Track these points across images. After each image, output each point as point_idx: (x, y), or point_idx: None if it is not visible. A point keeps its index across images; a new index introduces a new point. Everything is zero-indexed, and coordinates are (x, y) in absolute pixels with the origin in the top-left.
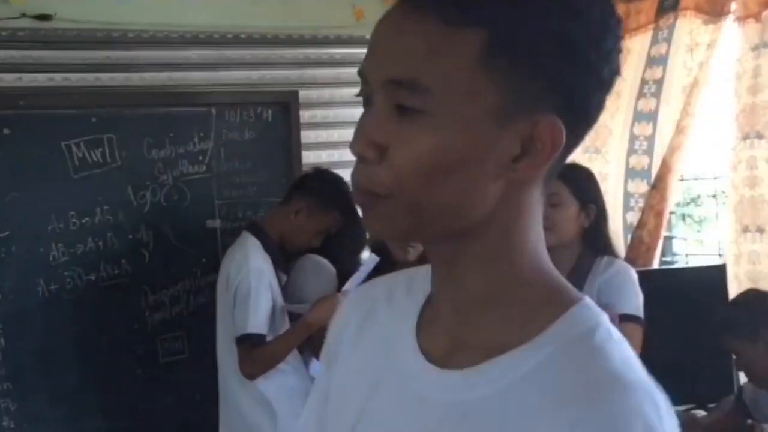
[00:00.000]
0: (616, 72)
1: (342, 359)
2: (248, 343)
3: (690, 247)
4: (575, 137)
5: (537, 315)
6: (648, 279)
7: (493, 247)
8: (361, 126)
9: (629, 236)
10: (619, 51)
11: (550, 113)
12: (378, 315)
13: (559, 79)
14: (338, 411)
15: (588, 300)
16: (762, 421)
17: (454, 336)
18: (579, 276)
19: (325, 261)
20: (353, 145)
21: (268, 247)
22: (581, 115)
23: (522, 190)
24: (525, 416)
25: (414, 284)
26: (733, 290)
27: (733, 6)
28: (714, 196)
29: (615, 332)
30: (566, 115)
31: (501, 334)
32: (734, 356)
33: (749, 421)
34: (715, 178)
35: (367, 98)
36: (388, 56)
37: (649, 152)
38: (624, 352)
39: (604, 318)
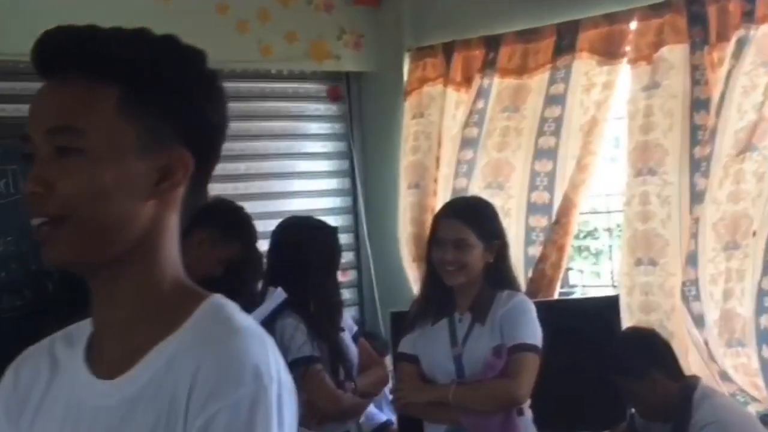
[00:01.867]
0: (225, 118)
1: (40, 406)
2: None
3: (586, 279)
4: (205, 166)
5: (177, 316)
6: (547, 309)
7: (144, 266)
8: (31, 174)
9: (530, 269)
10: (225, 103)
11: (179, 147)
12: (52, 361)
13: (181, 124)
14: None
15: (219, 295)
16: None
17: (115, 352)
18: (482, 307)
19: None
20: (26, 190)
21: None
22: (204, 149)
23: (165, 213)
24: (167, 391)
25: (71, 333)
26: (626, 320)
27: (627, 48)
28: (609, 229)
29: (237, 309)
30: (192, 149)
31: (151, 340)
32: (623, 394)
33: None
34: (609, 212)
35: (31, 156)
36: (48, 113)
37: (550, 188)
38: (245, 317)
39: (232, 303)
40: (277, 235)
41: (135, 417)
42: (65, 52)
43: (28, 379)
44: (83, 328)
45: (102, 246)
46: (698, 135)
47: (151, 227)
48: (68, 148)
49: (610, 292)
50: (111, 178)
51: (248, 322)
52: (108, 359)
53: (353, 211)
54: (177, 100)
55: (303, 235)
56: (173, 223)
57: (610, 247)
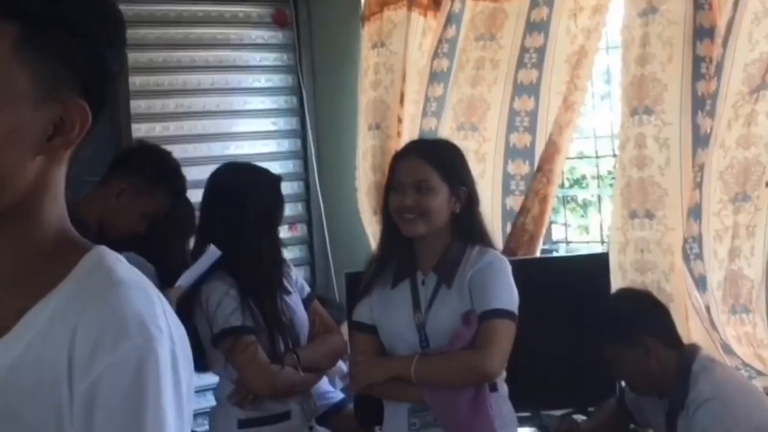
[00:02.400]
0: (122, 66)
1: None
2: None
3: (572, 234)
4: (95, 117)
5: (59, 271)
6: (527, 269)
7: (24, 223)
8: None
9: (508, 223)
10: (125, 49)
11: (76, 98)
12: None
13: (80, 70)
14: None
15: (102, 247)
16: (644, 425)
17: None
18: (449, 266)
19: (143, 261)
20: None
21: (85, 234)
22: (99, 100)
23: (54, 168)
24: (50, 347)
25: None
26: (618, 281)
27: None
28: (598, 177)
29: (120, 259)
30: (89, 99)
31: (32, 296)
32: (611, 365)
33: (632, 426)
34: (599, 158)
35: None
36: None
37: (532, 130)
38: (127, 268)
39: (114, 254)
40: (210, 184)
41: (12, 386)
42: None
43: None
44: None
45: None
46: (702, 68)
47: (36, 184)
48: None
49: (599, 249)
50: (1, 130)
51: (130, 273)
52: None
53: (303, 156)
54: (80, 44)
55: (239, 184)
56: (61, 179)
57: (599, 197)
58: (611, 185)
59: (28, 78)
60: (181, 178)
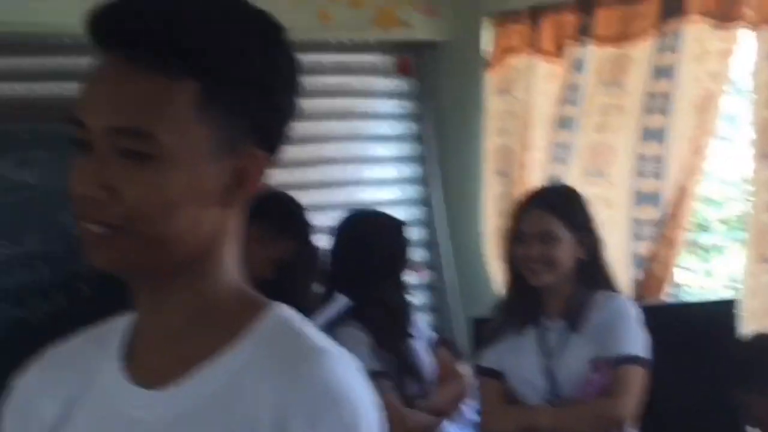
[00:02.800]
0: (298, 110)
1: (70, 418)
2: None
3: (697, 279)
4: (274, 161)
5: (235, 325)
6: (655, 314)
7: (202, 274)
8: (86, 170)
9: (636, 268)
10: (300, 93)
11: (254, 148)
12: (78, 366)
13: (258, 120)
14: None
15: (281, 304)
16: None
17: (162, 361)
18: (576, 312)
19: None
20: (76, 187)
21: None
22: (276, 144)
23: (231, 217)
24: (241, 410)
25: (102, 335)
26: (748, 327)
27: (747, 9)
28: (724, 221)
29: (306, 322)
30: (266, 147)
31: (204, 350)
32: (742, 410)
33: None
34: (725, 202)
35: (81, 143)
36: (113, 106)
37: (659, 174)
38: (317, 332)
39: (297, 314)
40: (339, 232)
41: (194, 430)
42: (140, 31)
43: (49, 383)
44: (113, 329)
45: (161, 257)
46: None
47: (215, 234)
48: (137, 153)
49: (724, 294)
50: (182, 188)
51: (324, 339)
52: (151, 368)
53: (428, 202)
54: (259, 96)
55: (364, 231)
56: (238, 229)
57: (724, 241)
58: (738, 229)
59: (208, 132)
60: (307, 225)
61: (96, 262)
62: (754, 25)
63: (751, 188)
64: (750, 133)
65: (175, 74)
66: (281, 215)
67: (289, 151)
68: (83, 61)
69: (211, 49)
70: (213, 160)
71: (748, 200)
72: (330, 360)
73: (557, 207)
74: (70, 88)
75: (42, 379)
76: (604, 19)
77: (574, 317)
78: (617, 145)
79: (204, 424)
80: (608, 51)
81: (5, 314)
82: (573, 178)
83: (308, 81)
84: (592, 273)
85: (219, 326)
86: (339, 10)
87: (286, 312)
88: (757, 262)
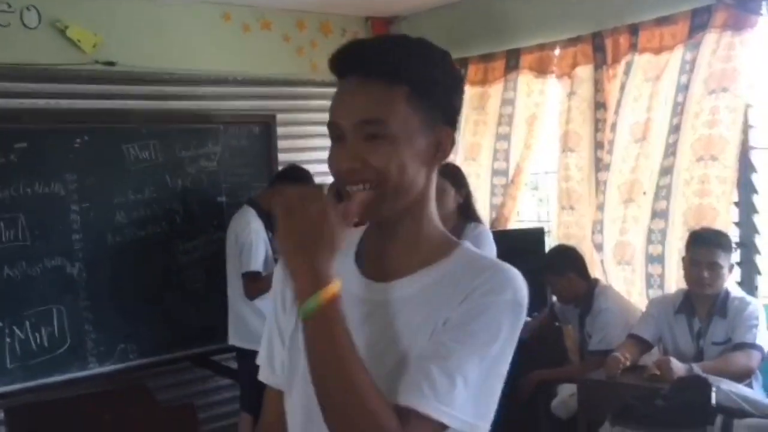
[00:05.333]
0: (462, 100)
1: None
2: (250, 276)
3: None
4: (455, 136)
5: (439, 252)
6: (501, 236)
7: (417, 214)
8: (342, 153)
9: (493, 212)
10: (463, 87)
11: (445, 127)
12: None
13: (444, 109)
14: None
15: (467, 243)
16: (565, 323)
17: (388, 266)
18: (456, 235)
19: None
20: (340, 164)
21: (261, 215)
22: (455, 123)
23: (431, 176)
24: (437, 300)
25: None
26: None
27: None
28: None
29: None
30: (451, 125)
31: (417, 263)
32: (550, 286)
33: (557, 323)
34: (546, 174)
35: (337, 137)
36: (358, 107)
37: (507, 159)
38: (493, 258)
39: (476, 249)
40: None
41: (407, 310)
42: (369, 63)
43: None
44: (348, 240)
45: (400, 201)
46: (599, 126)
47: (424, 188)
48: (376, 135)
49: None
50: (407, 154)
51: (499, 261)
52: (377, 270)
53: None
54: (444, 94)
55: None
56: (434, 186)
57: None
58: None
59: (417, 117)
60: (313, 182)
61: (363, 214)
62: (558, 76)
63: (557, 168)
64: (557, 139)
65: (393, 83)
66: (298, 176)
67: (296, 143)
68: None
69: (413, 67)
70: (422, 135)
71: (556, 174)
72: (512, 270)
73: (446, 173)
74: (159, 104)
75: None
76: (474, 70)
77: (455, 235)
78: (483, 143)
79: (413, 306)
80: (476, 89)
81: (133, 234)
82: (458, 162)
83: (304, 104)
84: (466, 212)
85: (427, 251)
86: (322, 62)
87: (472, 248)
88: (560, 208)
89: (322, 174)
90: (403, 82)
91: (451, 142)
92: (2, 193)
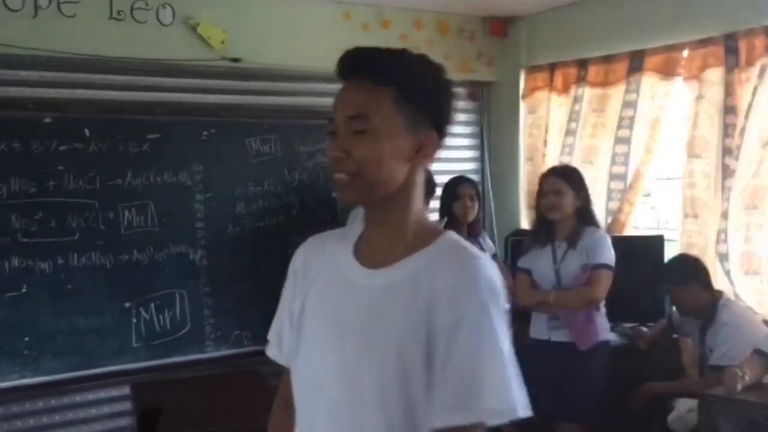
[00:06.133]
0: (452, 113)
1: (314, 280)
2: None
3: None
4: (441, 143)
5: (423, 241)
6: (617, 241)
7: (400, 205)
8: (335, 145)
9: (609, 217)
10: (453, 102)
11: (430, 130)
12: (326, 251)
13: (430, 112)
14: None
15: (452, 232)
16: (684, 336)
17: (378, 255)
18: (574, 237)
19: None
20: (331, 153)
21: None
22: (442, 131)
23: (415, 173)
24: (423, 285)
25: (345, 234)
26: (673, 253)
27: (681, 69)
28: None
29: (465, 242)
30: (437, 130)
31: (403, 252)
32: (670, 297)
33: (674, 336)
34: (667, 180)
35: (333, 132)
36: (349, 104)
37: (626, 164)
38: (473, 248)
39: (461, 238)
40: (443, 187)
41: (394, 294)
42: (363, 66)
43: (310, 257)
44: (353, 233)
45: (377, 191)
46: (729, 131)
47: (406, 182)
48: (361, 130)
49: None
50: (387, 149)
51: (479, 252)
52: (371, 258)
53: (485, 174)
54: (429, 98)
55: (446, 186)
56: (419, 181)
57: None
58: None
59: (402, 118)
60: (430, 173)
61: (342, 197)
62: (686, 79)
63: (682, 175)
64: (682, 144)
65: (381, 84)
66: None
67: None
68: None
69: (400, 71)
70: (404, 134)
71: (681, 180)
72: (482, 262)
73: (565, 175)
74: (281, 100)
75: (307, 252)
76: (594, 71)
77: (572, 240)
78: (600, 146)
79: (400, 290)
80: (597, 91)
81: (252, 225)
82: (575, 164)
83: None
84: (584, 215)
85: (412, 239)
86: (438, 61)
87: (454, 236)
88: (683, 216)
89: (434, 172)
90: (391, 84)
91: (434, 145)
92: (135, 181)
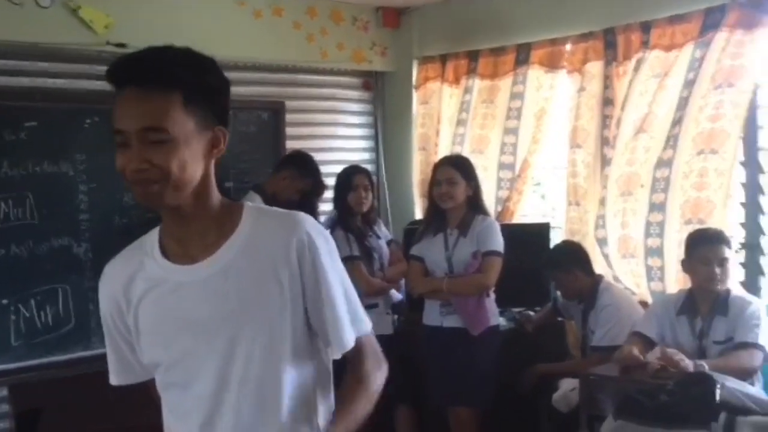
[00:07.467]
0: (229, 99)
1: (143, 297)
2: None
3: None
4: (228, 132)
5: (231, 221)
6: (507, 230)
7: (203, 197)
8: (128, 156)
9: (499, 206)
10: (228, 88)
11: (218, 126)
12: (136, 267)
13: (216, 110)
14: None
15: (246, 202)
16: (568, 319)
17: (193, 249)
18: (465, 225)
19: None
20: (128, 165)
21: (266, 201)
22: (227, 122)
23: (210, 165)
24: (257, 253)
25: (142, 246)
26: (557, 239)
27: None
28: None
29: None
30: (224, 124)
31: (215, 239)
32: (554, 282)
33: (559, 319)
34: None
35: (123, 143)
36: (140, 116)
37: (514, 153)
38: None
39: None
40: (336, 178)
41: (231, 277)
42: (148, 71)
43: (124, 281)
44: (149, 240)
45: (182, 192)
46: (607, 122)
47: (205, 175)
48: (158, 140)
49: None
50: (186, 153)
51: (278, 209)
52: (183, 255)
53: (378, 164)
54: (213, 95)
55: (339, 176)
56: (212, 170)
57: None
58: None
59: (194, 120)
60: (319, 170)
61: (145, 202)
62: (568, 71)
63: (566, 164)
64: (566, 134)
65: (167, 91)
66: (304, 163)
67: (298, 131)
68: None
69: (184, 75)
70: (198, 134)
71: (565, 169)
72: (301, 215)
73: (457, 165)
74: None
75: (114, 282)
76: (483, 63)
77: (464, 228)
78: (491, 137)
79: (233, 272)
80: (486, 82)
81: (140, 216)
82: (466, 153)
83: (313, 91)
84: (475, 203)
85: (222, 224)
86: (332, 51)
87: (250, 204)
88: (567, 203)
89: (328, 162)
90: (177, 90)
91: (225, 138)
92: (11, 171)
